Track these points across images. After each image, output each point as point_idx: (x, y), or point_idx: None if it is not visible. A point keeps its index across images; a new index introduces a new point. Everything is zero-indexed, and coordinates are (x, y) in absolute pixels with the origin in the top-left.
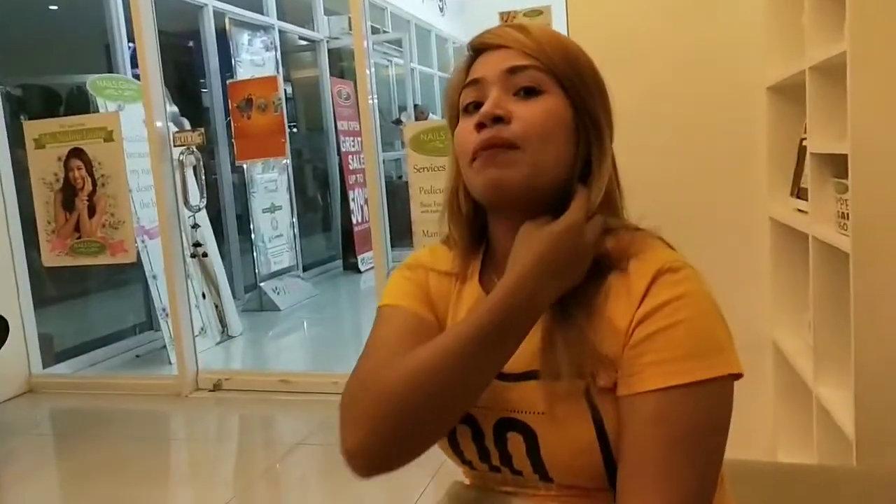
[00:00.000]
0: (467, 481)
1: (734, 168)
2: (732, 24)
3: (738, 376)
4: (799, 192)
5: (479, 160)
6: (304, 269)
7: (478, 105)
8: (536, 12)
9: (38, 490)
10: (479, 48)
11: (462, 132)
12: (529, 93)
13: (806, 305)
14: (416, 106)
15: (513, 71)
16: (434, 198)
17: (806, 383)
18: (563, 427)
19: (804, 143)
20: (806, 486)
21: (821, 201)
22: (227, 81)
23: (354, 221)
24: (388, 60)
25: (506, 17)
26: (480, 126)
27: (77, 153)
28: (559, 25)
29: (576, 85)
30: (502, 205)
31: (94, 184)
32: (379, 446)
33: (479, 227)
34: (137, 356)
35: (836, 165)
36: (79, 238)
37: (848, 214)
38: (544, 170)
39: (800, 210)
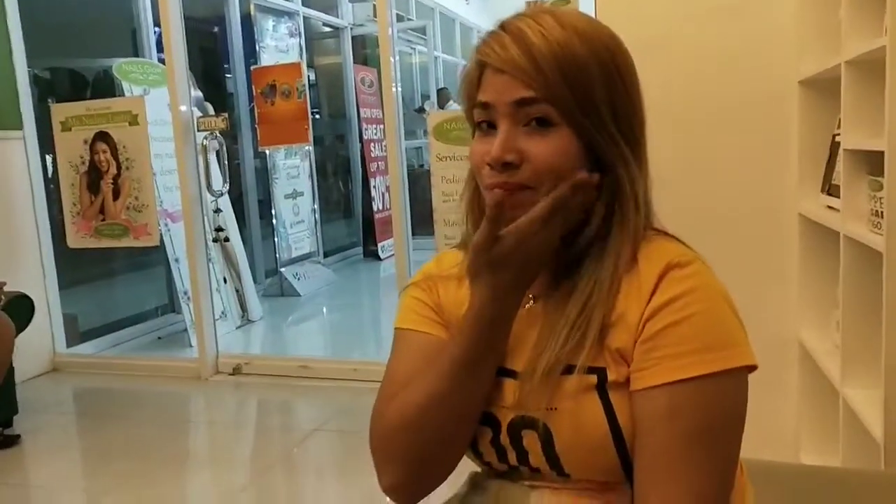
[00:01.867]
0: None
1: (764, 163)
2: (765, 16)
3: (753, 368)
4: (830, 189)
5: (492, 196)
6: (325, 256)
7: (490, 124)
8: (563, 2)
9: (60, 466)
10: (484, 64)
11: (475, 151)
12: (542, 123)
13: (834, 304)
14: (441, 90)
15: (520, 104)
16: (456, 187)
17: (832, 384)
18: (576, 422)
19: (837, 138)
20: (831, 489)
21: (854, 199)
22: (252, 67)
23: (375, 209)
24: (412, 48)
25: (532, 5)
26: (491, 165)
27: (102, 136)
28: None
29: (579, 117)
30: None
31: (119, 167)
32: (412, 478)
33: None
34: (159, 338)
35: (871, 162)
36: (103, 220)
37: (882, 213)
38: None
39: (830, 207)
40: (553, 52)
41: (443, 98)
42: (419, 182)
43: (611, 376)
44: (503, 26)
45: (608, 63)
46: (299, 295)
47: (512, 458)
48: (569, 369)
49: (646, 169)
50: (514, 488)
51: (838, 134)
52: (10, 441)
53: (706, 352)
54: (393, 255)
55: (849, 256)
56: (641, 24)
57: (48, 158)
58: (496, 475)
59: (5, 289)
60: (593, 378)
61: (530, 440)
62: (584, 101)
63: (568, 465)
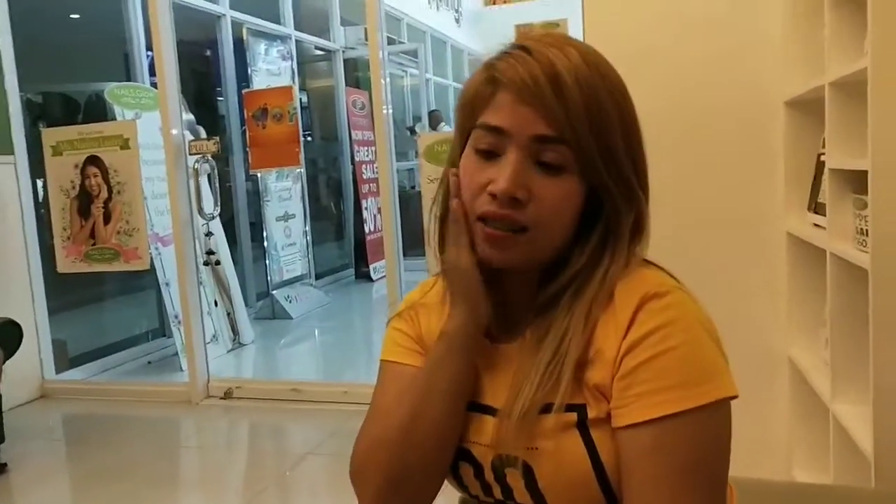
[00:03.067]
0: None
1: (751, 182)
2: (751, 38)
3: (734, 397)
4: (816, 208)
5: (483, 231)
6: (317, 278)
7: (491, 153)
8: (553, 25)
9: (50, 494)
10: (501, 83)
11: (470, 170)
12: (552, 167)
13: (822, 321)
14: (432, 111)
15: (541, 140)
16: None
17: (822, 400)
18: (557, 461)
19: (822, 158)
20: None
21: (839, 217)
22: (243, 91)
23: (367, 230)
24: (404, 71)
25: (522, 30)
26: (494, 195)
27: (93, 160)
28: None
29: (598, 168)
30: None
31: (110, 191)
32: None
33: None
34: (150, 362)
35: (856, 181)
36: (94, 245)
37: (867, 231)
38: (545, 250)
39: (817, 225)
40: (583, 96)
41: (434, 120)
42: (411, 204)
43: (591, 413)
44: (528, 49)
45: (623, 106)
46: (291, 317)
47: (497, 493)
48: (547, 408)
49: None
50: None
51: (823, 153)
52: None
53: (686, 387)
54: (385, 276)
55: (835, 274)
56: (628, 40)
57: (39, 183)
58: None
59: None
60: (573, 416)
61: (513, 478)
62: (604, 149)
63: (552, 502)
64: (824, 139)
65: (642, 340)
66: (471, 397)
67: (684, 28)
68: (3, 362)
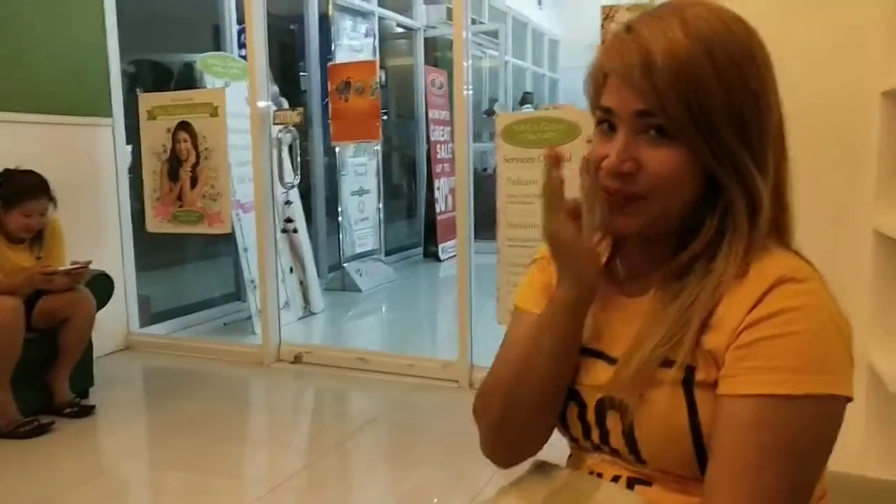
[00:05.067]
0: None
1: (839, 176)
2: (848, 23)
3: (849, 399)
4: None
5: (606, 201)
6: (387, 254)
7: (611, 125)
8: (639, 7)
9: (131, 438)
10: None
11: (596, 152)
12: (662, 132)
13: None
14: (526, 93)
15: (640, 115)
16: (522, 189)
17: None
18: (657, 413)
19: None
20: None
21: None
22: (328, 63)
23: (438, 210)
24: (483, 52)
25: (608, 11)
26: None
27: (184, 126)
28: None
29: (693, 136)
30: None
31: (198, 156)
32: (500, 440)
33: None
34: (224, 324)
35: None
36: (180, 207)
37: None
38: (670, 215)
39: None
40: (671, 69)
41: (526, 101)
42: (482, 186)
43: (699, 375)
44: (629, 28)
45: (732, 74)
46: (360, 290)
47: (595, 436)
48: (664, 363)
49: (784, 176)
50: (583, 480)
51: None
52: (86, 411)
53: (801, 372)
54: (453, 256)
55: None
56: None
57: (129, 148)
58: (568, 464)
59: (89, 268)
60: (681, 373)
61: (613, 421)
62: (700, 120)
63: (645, 450)
64: None
65: (768, 318)
66: (586, 343)
67: (777, 12)
68: (96, 312)
